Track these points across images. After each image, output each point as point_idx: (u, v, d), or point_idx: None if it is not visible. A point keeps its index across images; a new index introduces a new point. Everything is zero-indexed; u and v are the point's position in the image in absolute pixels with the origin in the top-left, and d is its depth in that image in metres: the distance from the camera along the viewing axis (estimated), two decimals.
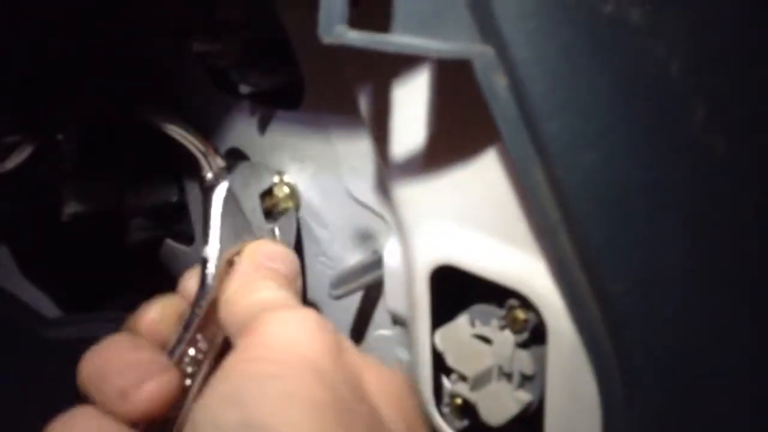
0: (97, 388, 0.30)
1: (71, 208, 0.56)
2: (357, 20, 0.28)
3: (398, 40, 0.28)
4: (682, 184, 0.30)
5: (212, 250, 0.38)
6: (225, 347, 0.35)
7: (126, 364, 0.31)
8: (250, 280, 0.34)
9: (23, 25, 0.49)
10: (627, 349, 0.32)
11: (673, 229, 0.30)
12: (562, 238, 0.31)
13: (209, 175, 0.43)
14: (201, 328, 0.35)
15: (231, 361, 0.27)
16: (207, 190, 0.41)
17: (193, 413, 0.26)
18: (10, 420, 0.56)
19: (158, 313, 0.34)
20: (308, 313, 0.29)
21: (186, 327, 0.35)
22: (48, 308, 0.60)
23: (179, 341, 0.34)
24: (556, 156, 0.29)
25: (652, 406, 0.32)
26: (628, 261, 0.30)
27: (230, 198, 0.41)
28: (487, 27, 0.28)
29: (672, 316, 0.31)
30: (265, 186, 0.46)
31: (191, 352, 0.34)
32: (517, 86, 0.28)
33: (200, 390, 0.33)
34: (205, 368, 0.34)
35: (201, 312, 0.35)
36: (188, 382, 0.33)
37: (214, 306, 0.35)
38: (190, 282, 0.38)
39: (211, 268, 0.37)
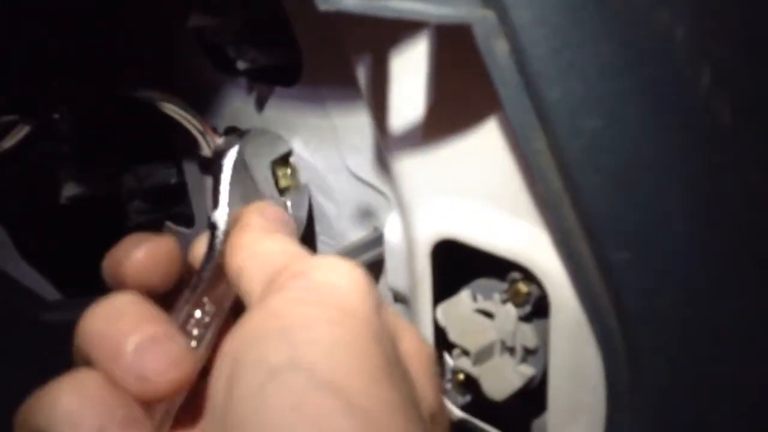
0: (109, 361, 0.28)
1: (69, 190, 0.56)
2: None
3: (396, 4, 0.28)
4: (687, 152, 0.30)
5: (221, 214, 0.37)
6: (235, 310, 0.35)
7: (142, 337, 0.29)
8: (268, 230, 0.33)
9: (17, 6, 0.49)
10: (630, 320, 0.31)
11: (676, 198, 0.30)
12: (564, 208, 0.30)
13: (221, 143, 0.42)
14: (208, 291, 0.34)
15: (277, 301, 0.26)
16: (217, 156, 0.41)
17: (234, 345, 0.25)
18: (9, 404, 0.56)
19: (144, 254, 0.32)
20: (355, 264, 0.28)
21: (193, 288, 0.34)
22: (47, 291, 0.59)
23: (186, 302, 0.33)
24: (558, 122, 0.28)
25: (658, 377, 0.32)
26: (631, 230, 0.30)
27: (241, 164, 0.41)
28: None
29: (675, 285, 0.31)
30: (276, 154, 0.45)
31: (197, 314, 0.33)
32: (518, 51, 0.28)
33: (207, 354, 0.32)
34: (212, 331, 0.33)
35: (209, 274, 0.35)
36: (194, 344, 0.32)
37: (221, 270, 0.35)
38: (198, 246, 0.37)
39: (219, 234, 0.36)
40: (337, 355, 0.23)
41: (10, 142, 0.47)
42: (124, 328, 0.28)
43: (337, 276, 0.27)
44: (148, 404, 0.27)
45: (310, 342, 0.23)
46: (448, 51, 0.34)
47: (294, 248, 0.31)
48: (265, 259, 0.30)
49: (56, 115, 0.48)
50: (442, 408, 0.28)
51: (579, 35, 0.27)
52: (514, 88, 0.28)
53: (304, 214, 0.47)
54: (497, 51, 0.28)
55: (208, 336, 0.32)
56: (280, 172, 0.46)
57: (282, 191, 0.45)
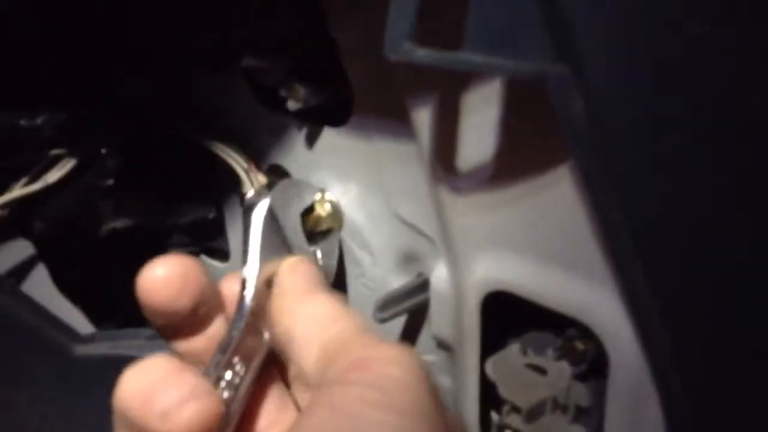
0: (139, 408, 0.29)
1: (109, 223, 0.56)
2: (423, 37, 0.27)
3: (470, 58, 0.27)
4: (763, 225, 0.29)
5: (251, 269, 0.37)
6: (264, 368, 0.34)
7: (169, 384, 0.29)
8: (308, 291, 0.33)
9: (72, 43, 0.49)
10: (698, 388, 0.30)
11: (753, 259, 0.29)
12: (634, 269, 0.29)
13: (250, 193, 0.42)
14: (238, 350, 0.33)
15: (341, 399, 0.26)
16: (247, 208, 0.40)
17: None
18: None
19: (164, 271, 0.32)
20: (414, 353, 0.28)
21: (223, 350, 0.33)
22: (81, 324, 0.59)
23: (216, 365, 0.33)
24: (631, 182, 0.28)
25: None
26: (704, 293, 0.29)
27: (271, 217, 0.40)
28: (564, 46, 0.26)
29: (749, 352, 0.30)
30: (306, 204, 0.45)
31: (228, 375, 0.33)
32: (593, 109, 0.27)
33: (239, 415, 0.31)
34: (242, 391, 0.33)
35: (239, 333, 0.34)
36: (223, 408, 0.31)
37: (251, 327, 0.34)
38: (230, 279, 0.36)
39: (250, 289, 0.36)
40: None
41: (56, 175, 0.47)
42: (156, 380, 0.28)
43: (400, 370, 0.27)
44: None
45: None
46: (518, 102, 0.33)
47: (343, 314, 0.31)
48: (315, 328, 0.30)
49: (103, 150, 0.48)
50: None
51: (658, 97, 0.27)
52: (589, 147, 0.27)
53: (334, 262, 0.46)
54: (572, 107, 0.27)
55: (240, 396, 0.32)
56: (309, 219, 0.45)
57: (314, 236, 0.45)
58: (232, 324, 0.34)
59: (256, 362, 0.33)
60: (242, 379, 0.32)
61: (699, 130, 0.27)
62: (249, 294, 0.35)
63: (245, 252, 0.38)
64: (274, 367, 0.35)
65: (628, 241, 0.29)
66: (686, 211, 0.28)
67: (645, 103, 0.26)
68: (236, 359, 0.33)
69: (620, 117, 0.27)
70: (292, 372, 0.33)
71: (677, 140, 0.27)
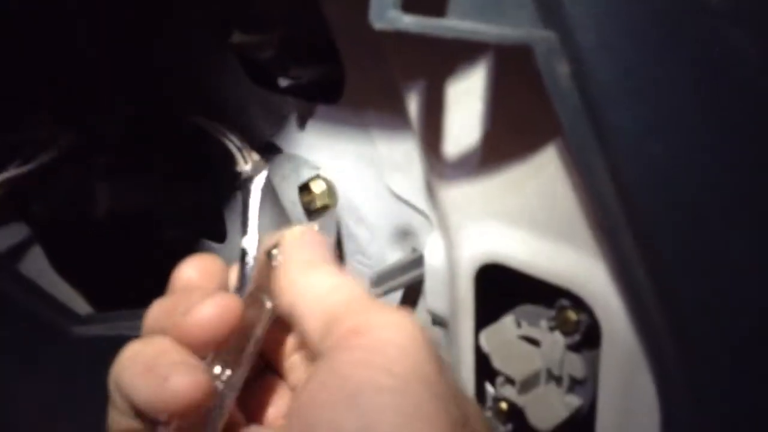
0: (139, 374, 0.29)
1: (106, 205, 0.56)
2: (408, 5, 0.27)
3: (455, 24, 0.27)
4: (756, 179, 0.29)
5: (251, 241, 0.37)
6: (267, 342, 0.34)
7: (167, 351, 0.30)
8: (313, 262, 0.33)
9: (64, 25, 0.49)
10: (692, 348, 0.30)
11: (742, 225, 0.29)
12: (624, 237, 0.29)
13: (246, 168, 0.42)
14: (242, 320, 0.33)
15: (342, 363, 0.26)
16: (245, 182, 0.40)
17: (304, 406, 0.26)
18: (43, 418, 0.56)
19: (195, 270, 0.33)
20: (414, 319, 0.28)
21: None
22: (80, 305, 0.59)
23: None
24: (620, 147, 0.27)
25: (718, 412, 0.30)
26: (694, 258, 0.29)
27: (269, 190, 0.40)
28: (550, 11, 0.26)
29: (741, 312, 0.30)
30: (304, 179, 0.45)
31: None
32: (580, 74, 0.27)
33: (235, 391, 0.32)
34: (245, 359, 0.33)
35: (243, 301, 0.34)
36: (228, 372, 0.31)
37: (253, 298, 0.34)
38: (229, 276, 0.37)
39: (250, 260, 0.36)
40: (406, 426, 0.24)
41: (49, 155, 0.47)
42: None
43: (398, 335, 0.27)
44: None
45: (380, 410, 0.24)
46: (507, 74, 0.33)
47: (345, 283, 0.31)
48: (319, 297, 0.30)
49: (97, 129, 0.48)
50: None
51: (645, 58, 0.26)
52: (575, 111, 0.27)
53: (332, 239, 0.46)
54: (559, 73, 0.27)
55: (240, 366, 0.32)
56: (307, 197, 0.45)
57: (310, 213, 0.45)
58: (235, 292, 0.35)
59: (259, 331, 0.33)
60: (244, 346, 0.32)
61: (687, 92, 0.27)
62: (250, 264, 0.35)
63: (244, 224, 0.38)
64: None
65: (618, 209, 0.29)
66: (675, 175, 0.28)
67: (631, 67, 0.26)
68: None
69: (607, 81, 0.26)
70: (293, 345, 0.34)
71: (665, 103, 0.27)
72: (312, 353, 0.29)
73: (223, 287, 0.33)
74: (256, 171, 0.40)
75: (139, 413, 0.29)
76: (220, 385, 0.31)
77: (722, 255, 0.29)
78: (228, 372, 0.31)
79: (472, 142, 0.36)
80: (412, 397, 0.25)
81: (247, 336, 0.33)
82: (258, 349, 0.33)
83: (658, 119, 0.27)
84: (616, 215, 0.29)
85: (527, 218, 0.35)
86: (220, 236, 0.63)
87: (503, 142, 0.35)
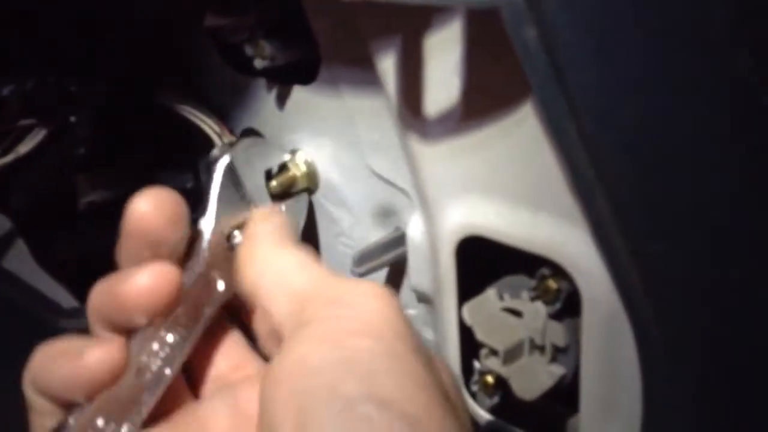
0: (108, 290, 0.30)
1: (87, 196, 0.55)
2: None
3: None
4: (725, 138, 0.29)
5: (207, 223, 0.37)
6: (222, 320, 0.34)
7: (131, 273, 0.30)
8: (278, 242, 0.33)
9: (37, 11, 0.49)
10: (667, 312, 0.30)
11: (714, 185, 0.29)
12: (598, 198, 0.29)
13: (215, 152, 0.42)
14: (187, 299, 0.33)
15: (327, 330, 0.26)
16: (210, 164, 0.40)
17: (289, 373, 0.25)
18: (22, 409, 0.55)
19: (149, 204, 0.32)
20: (386, 289, 0.28)
21: None
22: (64, 298, 0.59)
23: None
24: (589, 109, 0.27)
25: (697, 370, 0.31)
26: (667, 220, 0.29)
27: (232, 173, 0.40)
28: None
29: (714, 275, 0.30)
30: (271, 164, 0.44)
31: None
32: (546, 37, 0.27)
33: (173, 370, 0.32)
34: (187, 346, 0.33)
35: (191, 282, 0.34)
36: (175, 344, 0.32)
37: (205, 277, 0.34)
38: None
39: (204, 241, 0.36)
40: (409, 387, 0.24)
41: (27, 146, 0.46)
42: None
43: (376, 303, 0.27)
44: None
45: (379, 375, 0.24)
46: (477, 41, 0.33)
47: (309, 263, 0.31)
48: (285, 277, 0.30)
49: (73, 119, 0.48)
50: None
51: (610, 19, 0.26)
52: (544, 74, 0.27)
53: (301, 221, 0.46)
54: (526, 36, 0.27)
55: (184, 346, 0.32)
56: (283, 179, 0.45)
57: (280, 197, 0.45)
58: (184, 273, 0.34)
59: (208, 311, 0.33)
60: (187, 329, 0.33)
61: (655, 53, 0.27)
62: (204, 244, 0.35)
63: (204, 206, 0.38)
64: (235, 320, 0.35)
65: (591, 174, 0.29)
66: (647, 138, 0.28)
67: (597, 29, 0.26)
68: (180, 310, 0.33)
69: (573, 43, 0.26)
70: (260, 323, 0.33)
71: (632, 65, 0.27)
72: (278, 332, 0.29)
73: (179, 226, 0.33)
74: (220, 155, 0.40)
75: (59, 402, 0.29)
76: (156, 362, 0.31)
77: (694, 215, 0.29)
78: (167, 350, 0.31)
79: (445, 112, 0.36)
80: (408, 363, 0.25)
81: (193, 317, 0.33)
82: (204, 330, 0.33)
83: (625, 81, 0.27)
84: (590, 180, 0.29)
85: (505, 188, 0.35)
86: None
87: (479, 112, 0.35)
